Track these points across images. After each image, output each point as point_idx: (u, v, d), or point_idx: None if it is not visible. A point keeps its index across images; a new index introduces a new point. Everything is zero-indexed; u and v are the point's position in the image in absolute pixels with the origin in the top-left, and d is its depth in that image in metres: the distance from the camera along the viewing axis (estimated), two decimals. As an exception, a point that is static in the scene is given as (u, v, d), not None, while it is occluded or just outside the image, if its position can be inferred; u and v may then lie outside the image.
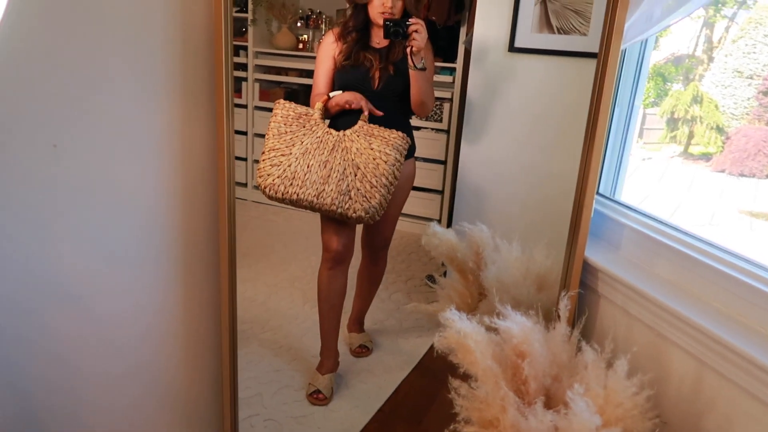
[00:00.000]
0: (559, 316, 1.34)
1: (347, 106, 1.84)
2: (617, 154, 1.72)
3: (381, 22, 1.86)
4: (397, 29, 1.75)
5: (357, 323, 2.47)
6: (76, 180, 1.15)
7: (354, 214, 1.76)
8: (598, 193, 1.72)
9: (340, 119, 1.91)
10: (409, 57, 1.80)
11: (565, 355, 1.31)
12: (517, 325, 1.22)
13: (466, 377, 1.27)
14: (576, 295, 1.46)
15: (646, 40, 1.63)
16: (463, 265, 1.73)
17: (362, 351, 2.39)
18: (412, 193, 3.44)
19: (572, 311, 1.43)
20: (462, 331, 1.22)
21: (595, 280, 1.52)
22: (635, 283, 1.38)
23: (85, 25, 1.11)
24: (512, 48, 2.37)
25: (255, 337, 2.45)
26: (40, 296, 1.14)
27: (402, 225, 3.38)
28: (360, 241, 2.28)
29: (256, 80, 3.84)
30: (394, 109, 1.93)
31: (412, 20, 1.76)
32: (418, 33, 1.76)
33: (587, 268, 1.51)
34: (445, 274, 2.47)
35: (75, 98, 1.11)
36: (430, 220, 3.59)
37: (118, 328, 1.31)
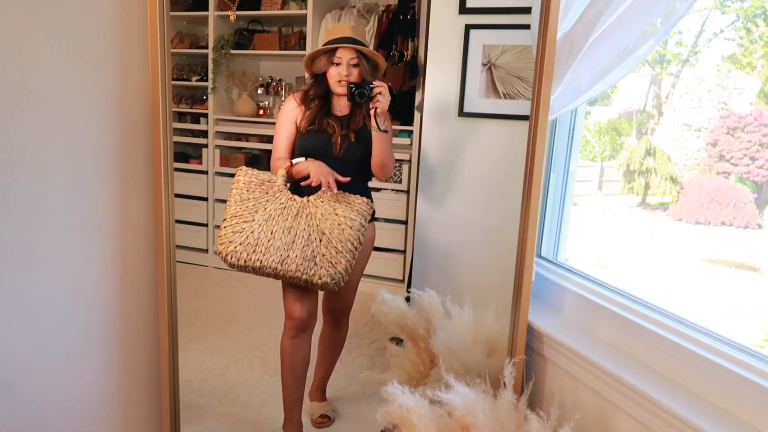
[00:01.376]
0: (505, 384, 1.32)
1: (313, 184, 1.83)
2: (557, 217, 1.76)
3: (339, 90, 1.91)
4: (362, 91, 1.79)
5: (319, 391, 2.40)
6: (4, 258, 1.12)
7: (320, 281, 1.73)
8: (540, 256, 1.75)
9: (303, 185, 1.93)
10: (372, 119, 1.84)
11: (513, 425, 1.28)
12: (461, 396, 1.20)
13: (411, 453, 1.24)
14: (522, 362, 1.45)
15: (576, 110, 1.70)
16: (414, 333, 1.72)
17: (324, 421, 2.31)
18: (375, 253, 3.44)
19: (518, 378, 1.42)
20: (405, 406, 1.19)
21: (541, 344, 1.52)
22: (578, 348, 1.38)
23: (19, 107, 1.11)
24: (462, 113, 2.45)
25: (212, 412, 2.36)
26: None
27: (365, 286, 3.34)
28: (321, 307, 2.25)
29: (217, 146, 3.86)
30: (355, 174, 1.95)
31: (376, 83, 1.81)
32: (382, 95, 1.80)
33: (533, 332, 1.51)
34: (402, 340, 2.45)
35: (7, 176, 1.10)
36: (392, 280, 3.60)
37: (54, 419, 1.25)
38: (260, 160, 3.86)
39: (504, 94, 2.38)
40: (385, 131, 1.88)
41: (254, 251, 1.75)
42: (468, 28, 2.40)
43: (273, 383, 2.42)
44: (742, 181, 4.15)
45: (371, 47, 3.50)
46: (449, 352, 1.56)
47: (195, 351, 2.80)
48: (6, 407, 1.17)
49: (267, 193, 1.82)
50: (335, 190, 1.84)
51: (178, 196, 4.33)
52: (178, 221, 4.45)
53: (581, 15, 1.36)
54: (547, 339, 1.49)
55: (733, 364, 1.17)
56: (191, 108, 3.97)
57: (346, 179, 1.87)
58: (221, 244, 1.78)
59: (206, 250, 3.87)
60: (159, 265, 1.34)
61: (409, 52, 3.48)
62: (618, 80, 1.48)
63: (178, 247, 4.24)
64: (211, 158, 3.84)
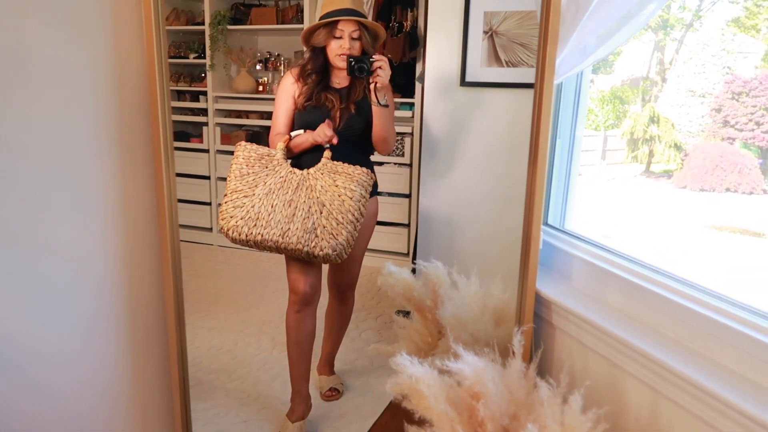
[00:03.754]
0: (514, 353, 1.32)
1: (319, 141, 1.82)
2: (563, 184, 1.74)
3: (339, 63, 1.88)
4: (361, 65, 1.75)
5: (327, 365, 2.42)
6: (7, 241, 1.11)
7: (321, 252, 1.73)
8: (547, 224, 1.74)
9: (303, 158, 1.91)
10: (372, 93, 1.81)
11: (523, 392, 1.29)
12: (470, 366, 1.20)
13: (422, 422, 1.24)
14: (530, 330, 1.45)
15: (582, 72, 1.67)
16: (421, 304, 1.72)
17: (333, 394, 2.33)
18: (380, 227, 3.44)
19: (527, 346, 1.42)
20: (414, 377, 1.19)
21: (549, 312, 1.51)
22: (587, 314, 1.37)
23: (17, 87, 1.09)
24: (464, 82, 2.41)
25: (222, 387, 2.38)
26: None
27: (370, 261, 3.36)
28: (326, 282, 2.25)
29: (217, 124, 3.83)
30: (355, 148, 1.93)
31: (376, 56, 1.77)
32: (382, 69, 1.77)
33: (541, 300, 1.50)
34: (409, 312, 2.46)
35: (7, 158, 1.09)
36: (397, 254, 3.60)
37: (65, 400, 1.26)
38: (261, 137, 3.83)
39: (506, 62, 2.34)
40: (386, 105, 1.85)
41: (255, 225, 1.75)
42: (468, -6, 2.34)
43: (281, 358, 2.44)
44: (747, 147, 4.12)
45: (370, 18, 3.44)
46: (457, 323, 1.56)
47: (203, 328, 2.82)
48: (17, 389, 1.18)
49: (267, 167, 1.81)
50: (335, 140, 1.82)
51: (180, 175, 4.34)
52: (181, 200, 4.47)
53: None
54: (556, 306, 1.48)
55: (745, 326, 1.17)
56: (190, 86, 3.94)
57: (335, 141, 1.84)
58: (222, 219, 1.78)
59: (210, 229, 3.87)
60: (163, 244, 1.33)
61: (409, 22, 3.43)
62: (624, 41, 1.44)
63: (183, 226, 4.26)
64: (211, 136, 3.81)
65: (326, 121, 1.84)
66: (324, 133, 1.82)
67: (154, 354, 1.43)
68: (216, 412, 2.20)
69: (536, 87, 1.38)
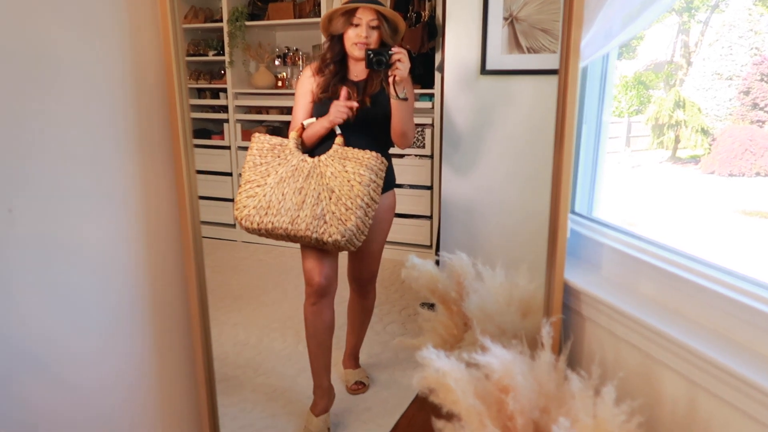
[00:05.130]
0: (543, 344, 1.29)
1: (338, 121, 1.81)
2: (590, 171, 1.69)
3: (356, 53, 1.86)
4: (380, 58, 1.72)
5: (352, 359, 2.41)
6: (32, 242, 1.12)
7: (330, 239, 1.71)
8: (574, 212, 1.69)
9: (318, 148, 1.90)
10: (391, 87, 1.78)
11: (553, 385, 1.26)
12: (498, 358, 1.17)
13: (450, 417, 1.22)
14: (559, 321, 1.42)
15: (608, 55, 1.62)
16: (446, 296, 1.69)
17: (359, 387, 2.33)
18: (402, 220, 3.43)
19: (556, 338, 1.39)
20: (441, 370, 1.17)
21: (578, 302, 1.47)
22: (618, 304, 1.33)
23: (36, 87, 1.10)
24: (484, 71, 2.37)
25: (249, 382, 2.39)
26: (8, 362, 1.10)
27: (393, 253, 3.34)
28: (347, 275, 2.24)
29: (238, 121, 3.84)
30: (373, 141, 1.91)
31: (395, 49, 1.74)
32: (401, 62, 1.74)
33: (569, 290, 1.47)
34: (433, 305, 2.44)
35: (29, 161, 1.10)
36: (420, 246, 3.58)
37: (92, 397, 1.27)
38: (281, 133, 3.84)
39: (528, 49, 2.29)
40: (405, 99, 1.82)
41: (266, 213, 1.76)
42: (488, -20, 2.30)
43: (306, 353, 2.43)
44: (777, 129, 3.99)
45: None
46: (483, 315, 1.53)
47: (228, 324, 2.84)
48: (44, 388, 1.18)
49: (279, 157, 1.83)
50: (355, 103, 1.80)
51: (202, 172, 4.38)
52: (203, 198, 4.51)
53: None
54: (585, 297, 1.44)
55: (785, 315, 1.12)
56: (209, 83, 3.95)
57: (355, 104, 1.83)
58: (237, 210, 1.81)
59: (233, 225, 3.90)
60: (185, 241, 1.33)
61: (427, 12, 3.38)
62: (651, 22, 1.40)
63: (206, 223, 4.31)
64: (232, 133, 3.83)
65: (342, 89, 1.82)
66: (338, 110, 1.80)
67: (180, 351, 1.43)
68: (242, 408, 2.21)
69: (561, 71, 1.34)
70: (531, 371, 1.25)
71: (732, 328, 1.20)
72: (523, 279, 1.64)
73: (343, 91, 1.84)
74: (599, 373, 1.22)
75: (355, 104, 1.82)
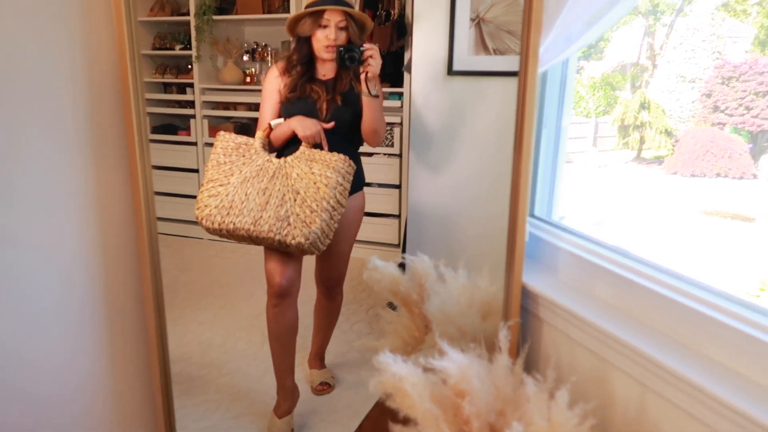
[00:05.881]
0: (500, 348, 1.30)
1: (307, 142, 1.80)
2: (549, 175, 1.72)
3: (325, 55, 1.84)
4: (352, 55, 1.72)
5: (317, 359, 2.40)
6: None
7: (293, 241, 1.69)
8: (534, 216, 1.71)
9: (286, 150, 1.88)
10: (363, 84, 1.78)
11: (509, 388, 1.27)
12: (454, 363, 1.18)
13: (407, 421, 1.23)
14: (517, 324, 1.43)
15: (568, 60, 1.64)
16: (408, 298, 1.70)
17: (324, 388, 2.32)
18: (371, 219, 3.42)
19: (514, 341, 1.40)
20: (397, 375, 1.17)
21: (536, 305, 1.49)
22: (574, 308, 1.36)
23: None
24: (451, 71, 2.38)
25: (213, 383, 2.36)
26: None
27: (361, 252, 3.34)
28: (314, 277, 2.23)
29: (205, 117, 3.79)
30: (343, 139, 1.90)
31: (367, 45, 1.74)
32: (373, 58, 1.74)
33: (527, 293, 1.49)
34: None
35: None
36: (388, 245, 3.58)
37: (44, 402, 1.23)
38: (249, 129, 3.79)
39: (494, 50, 2.31)
40: (376, 96, 1.82)
41: (228, 213, 1.73)
42: (455, -19, 2.30)
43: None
44: (737, 132, 4.12)
45: (356, 7, 3.39)
46: (443, 317, 1.54)
47: (194, 323, 2.80)
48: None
49: (244, 156, 1.80)
50: (327, 146, 1.80)
51: (168, 169, 4.30)
52: (170, 194, 4.41)
53: (570, -40, 1.29)
54: (542, 300, 1.46)
55: (732, 318, 1.15)
56: (176, 78, 3.88)
57: (330, 124, 1.84)
58: (198, 209, 1.77)
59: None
60: (140, 238, 1.31)
61: (396, 10, 3.38)
62: (610, 26, 1.42)
63: (172, 220, 4.22)
64: (199, 129, 3.77)
65: (317, 122, 1.83)
66: (311, 129, 1.80)
67: (135, 352, 1.41)
68: (206, 408, 2.18)
69: (520, 75, 1.35)
70: (488, 375, 1.26)
71: (682, 332, 1.23)
72: (485, 281, 1.66)
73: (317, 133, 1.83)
74: (554, 377, 1.24)
75: (328, 125, 1.83)
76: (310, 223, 1.68)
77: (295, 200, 1.70)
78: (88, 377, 1.32)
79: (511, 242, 1.41)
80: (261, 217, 1.71)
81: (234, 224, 1.72)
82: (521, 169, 1.34)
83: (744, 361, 1.12)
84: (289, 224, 1.69)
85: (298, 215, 1.69)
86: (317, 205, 1.69)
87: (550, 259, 1.57)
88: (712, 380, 1.10)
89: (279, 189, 1.72)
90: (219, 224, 1.74)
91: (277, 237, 1.70)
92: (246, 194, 1.73)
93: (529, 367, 1.36)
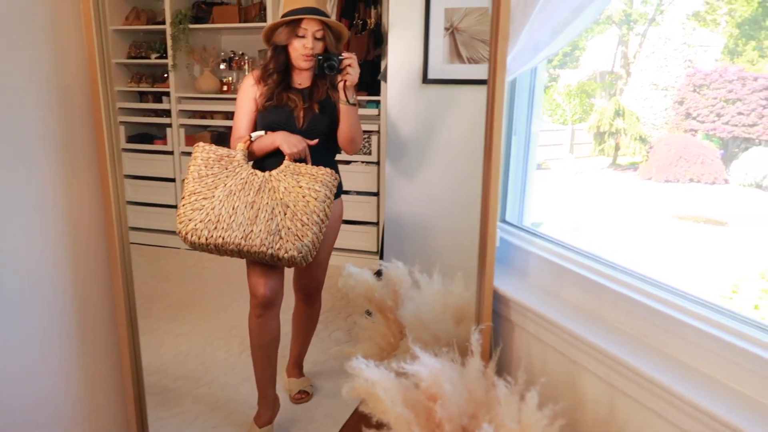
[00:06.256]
0: (472, 352, 1.32)
1: (290, 157, 1.81)
2: (520, 181, 1.75)
3: (302, 64, 1.85)
4: (331, 63, 1.73)
5: (296, 367, 2.39)
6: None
7: (286, 255, 1.69)
8: (505, 221, 1.74)
9: (266, 160, 1.88)
10: (341, 92, 1.79)
11: (482, 391, 1.29)
12: (426, 367, 1.19)
13: (380, 426, 1.23)
14: (489, 328, 1.45)
15: (536, 68, 1.67)
16: (383, 305, 1.71)
17: (302, 396, 2.31)
18: (349, 226, 3.42)
19: (486, 344, 1.42)
20: (370, 380, 1.18)
21: (508, 309, 1.52)
22: (544, 311, 1.38)
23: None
24: (426, 80, 2.41)
25: (189, 394, 2.34)
26: None
27: (340, 260, 3.34)
28: (293, 284, 2.22)
29: (181, 125, 3.77)
30: (320, 147, 1.91)
31: (345, 54, 1.75)
32: (352, 67, 1.75)
33: (499, 298, 1.51)
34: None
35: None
36: (366, 252, 3.59)
37: (5, 413, 1.21)
38: (226, 138, 3.76)
39: (468, 59, 2.34)
40: (354, 104, 1.84)
41: (215, 228, 1.70)
42: (428, -9, 2.34)
43: (250, 362, 2.39)
44: (708, 138, 4.22)
45: (333, 17, 3.41)
46: (418, 322, 1.55)
47: (170, 334, 2.77)
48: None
49: (227, 169, 1.77)
50: (310, 161, 1.81)
51: (144, 178, 4.25)
52: (146, 204, 4.35)
53: (534, -29, 1.32)
54: (514, 304, 1.49)
55: (697, 320, 1.18)
56: (152, 87, 3.86)
57: (314, 141, 1.84)
58: (180, 223, 1.72)
59: (176, 232, 3.81)
60: (111, 249, 1.30)
61: (373, 19, 3.40)
62: (575, 36, 1.45)
63: (149, 230, 4.16)
64: (176, 138, 3.75)
65: (302, 139, 1.84)
66: (294, 144, 1.81)
67: (107, 364, 1.39)
68: (183, 419, 2.16)
69: (489, 84, 1.37)
70: (460, 378, 1.28)
71: (648, 333, 1.25)
72: (459, 287, 1.67)
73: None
74: (525, 379, 1.26)
75: (312, 142, 1.84)
76: (302, 236, 1.68)
77: (285, 214, 1.69)
78: (57, 388, 1.30)
79: (483, 247, 1.44)
80: (252, 231, 1.69)
81: (223, 239, 1.69)
82: (491, 176, 1.37)
83: (709, 362, 1.15)
84: (281, 238, 1.68)
85: (289, 229, 1.68)
86: (308, 219, 1.69)
87: (522, 264, 1.60)
88: (679, 381, 1.13)
89: (267, 203, 1.71)
90: (206, 239, 1.70)
91: (270, 251, 1.69)
92: (233, 208, 1.71)
93: (502, 370, 1.38)
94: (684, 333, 1.19)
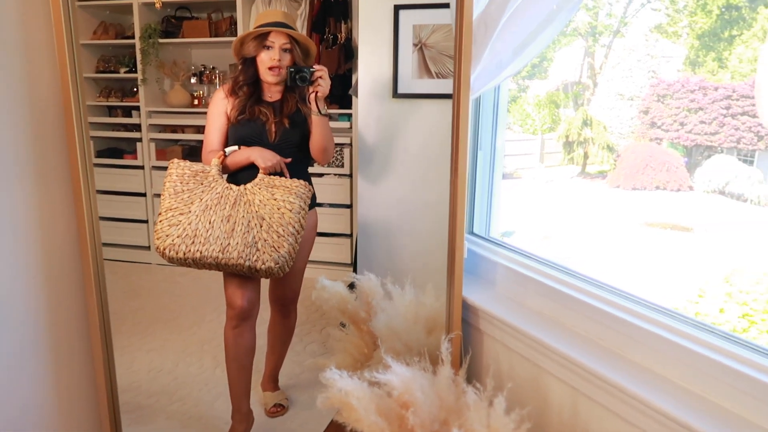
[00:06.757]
0: (442, 360, 1.36)
1: (264, 171, 1.83)
2: (487, 194, 1.80)
3: (269, 78, 1.89)
4: (302, 75, 1.77)
5: (271, 381, 2.39)
6: None
7: (263, 266, 1.72)
8: (473, 233, 1.79)
9: (240, 174, 1.90)
10: (313, 103, 1.83)
11: (452, 398, 1.32)
12: (398, 376, 1.23)
13: (354, 435, 1.26)
14: (458, 337, 1.49)
15: (499, 86, 1.73)
16: (356, 316, 1.74)
17: (278, 410, 2.31)
18: (323, 238, 3.44)
19: (456, 353, 1.46)
20: (344, 390, 1.21)
21: (476, 318, 1.56)
22: (509, 319, 1.43)
23: None
24: (396, 94, 2.46)
25: (162, 411, 2.32)
26: None
27: (314, 272, 3.35)
28: (268, 296, 2.24)
29: (152, 140, 3.75)
30: (294, 159, 1.94)
31: (316, 66, 1.80)
32: (323, 79, 1.80)
33: (468, 307, 1.55)
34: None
35: None
36: (340, 264, 3.61)
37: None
38: (198, 152, 3.73)
39: (437, 74, 2.40)
40: (326, 115, 1.88)
41: (193, 242, 1.73)
42: (397, 8, 2.39)
43: (224, 377, 2.39)
44: (673, 146, 4.36)
45: (304, 31, 3.45)
46: (390, 333, 1.59)
47: (142, 350, 2.74)
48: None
49: (202, 184, 1.80)
50: (288, 175, 1.84)
51: (114, 193, 4.19)
52: (117, 219, 4.29)
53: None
54: (482, 313, 1.53)
55: (653, 325, 1.24)
56: (121, 101, 3.84)
57: (288, 160, 1.88)
58: (158, 239, 1.75)
59: (148, 247, 3.78)
60: (85, 264, 1.30)
61: (343, 34, 3.45)
62: (537, 53, 1.51)
63: (119, 245, 4.11)
64: (146, 152, 3.73)
65: (277, 155, 1.88)
66: (268, 159, 1.84)
67: (82, 381, 1.39)
68: (156, 437, 2.15)
69: (454, 101, 1.42)
70: (431, 386, 1.31)
71: (605, 337, 1.31)
72: (430, 297, 1.71)
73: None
74: (493, 385, 1.30)
75: (287, 160, 1.87)
76: (279, 247, 1.71)
77: (261, 226, 1.73)
78: (30, 407, 1.30)
79: (451, 258, 1.48)
80: (228, 244, 1.72)
81: (201, 252, 1.72)
82: (457, 190, 1.42)
83: (663, 363, 1.21)
84: (257, 250, 1.71)
85: (266, 240, 1.72)
86: (284, 230, 1.73)
87: (489, 274, 1.65)
88: (637, 383, 1.18)
89: (243, 216, 1.74)
90: (184, 253, 1.73)
91: (247, 263, 1.72)
92: (210, 222, 1.74)
93: (471, 377, 1.42)
94: (638, 336, 1.24)
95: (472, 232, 1.80)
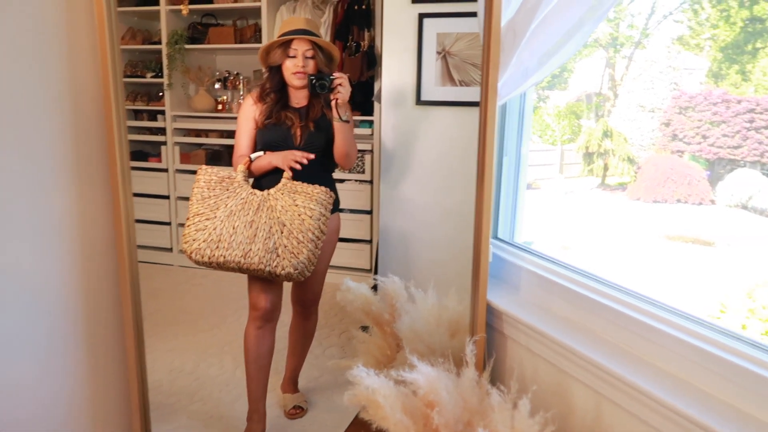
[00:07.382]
0: (467, 362, 1.37)
1: (288, 170, 1.86)
2: (512, 199, 1.82)
3: (295, 82, 1.93)
4: (322, 83, 1.82)
5: (291, 383, 2.41)
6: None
7: (282, 272, 1.76)
8: (498, 238, 1.80)
9: (264, 179, 1.95)
10: (334, 110, 1.87)
11: (476, 399, 1.33)
12: (424, 375, 1.24)
13: (379, 433, 1.28)
14: (482, 340, 1.50)
15: (525, 94, 1.75)
16: (380, 318, 1.75)
17: (297, 412, 2.32)
18: (342, 244, 3.47)
19: (480, 355, 1.47)
20: (370, 388, 1.23)
21: (500, 322, 1.57)
22: (534, 323, 1.44)
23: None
24: (419, 101, 2.48)
25: (183, 410, 2.35)
26: None
27: (333, 277, 3.37)
28: (290, 298, 2.26)
29: (176, 143, 3.82)
30: (317, 164, 1.98)
31: (336, 74, 1.84)
32: (343, 86, 1.84)
33: (492, 311, 1.56)
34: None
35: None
36: (360, 270, 3.63)
37: (19, 425, 1.24)
38: (221, 156, 3.83)
39: (460, 82, 2.42)
40: (347, 121, 1.92)
41: (217, 247, 1.78)
42: (421, 16, 2.43)
43: (244, 378, 2.43)
44: (695, 159, 4.31)
45: (327, 39, 3.50)
46: (413, 335, 1.60)
47: (163, 351, 2.78)
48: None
49: (228, 190, 1.85)
50: (305, 161, 1.86)
51: (138, 195, 4.28)
52: (140, 221, 4.40)
53: (522, 2, 1.41)
54: (506, 317, 1.54)
55: (681, 332, 1.24)
56: (147, 105, 3.91)
57: (312, 155, 1.90)
58: (185, 243, 1.81)
59: (170, 249, 3.83)
60: (120, 264, 1.34)
61: (366, 42, 3.50)
62: (562, 62, 1.53)
63: (142, 247, 4.20)
64: (170, 156, 3.80)
65: (295, 153, 1.89)
66: (292, 159, 1.87)
67: (114, 378, 1.43)
68: (178, 435, 2.17)
69: (481, 108, 1.44)
70: (456, 387, 1.32)
71: (632, 343, 1.32)
72: (452, 301, 1.73)
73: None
74: (517, 388, 1.31)
75: (311, 156, 1.89)
76: (298, 253, 1.75)
77: (282, 232, 1.77)
78: (63, 401, 1.33)
79: (476, 263, 1.49)
80: (250, 249, 1.77)
81: (224, 257, 1.78)
82: (484, 195, 1.43)
83: (686, 368, 1.21)
84: (278, 255, 1.75)
85: (285, 246, 1.76)
86: (303, 236, 1.76)
87: (514, 279, 1.66)
88: (662, 388, 1.19)
89: (265, 221, 1.79)
90: (209, 257, 1.79)
91: (267, 268, 1.77)
92: (234, 227, 1.79)
93: (494, 380, 1.43)
94: (663, 342, 1.25)
95: (496, 237, 1.81)
